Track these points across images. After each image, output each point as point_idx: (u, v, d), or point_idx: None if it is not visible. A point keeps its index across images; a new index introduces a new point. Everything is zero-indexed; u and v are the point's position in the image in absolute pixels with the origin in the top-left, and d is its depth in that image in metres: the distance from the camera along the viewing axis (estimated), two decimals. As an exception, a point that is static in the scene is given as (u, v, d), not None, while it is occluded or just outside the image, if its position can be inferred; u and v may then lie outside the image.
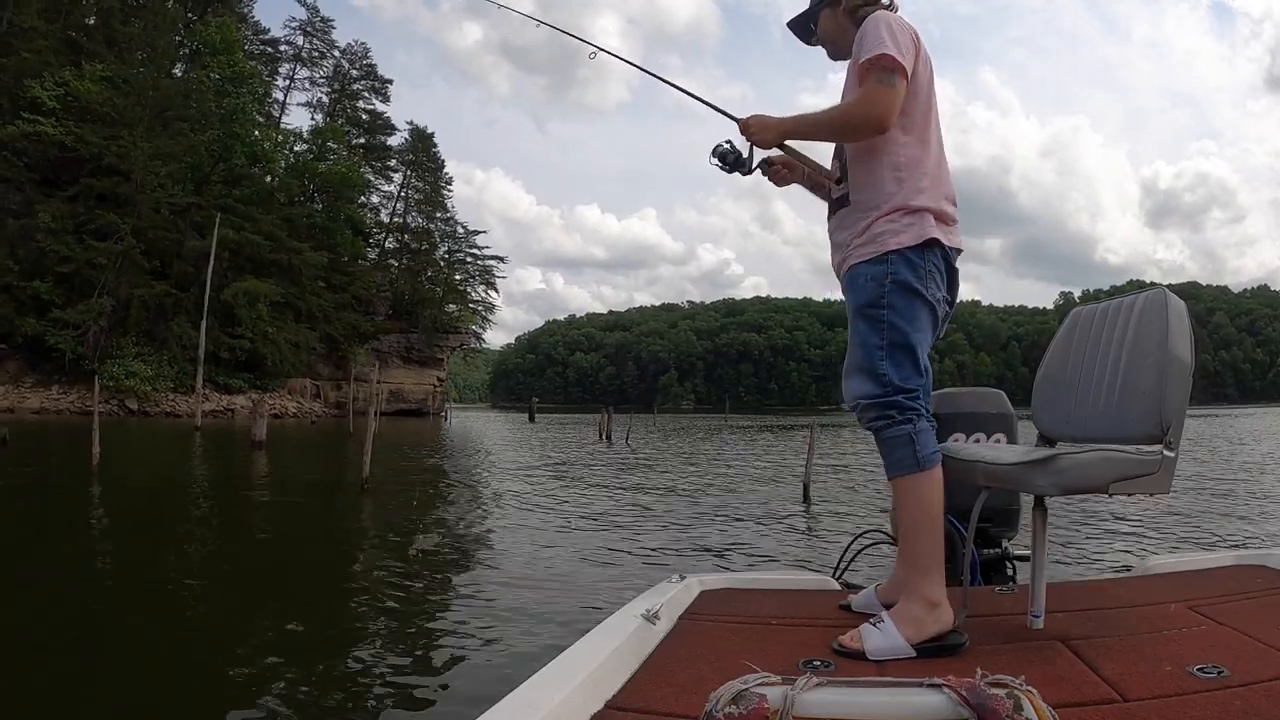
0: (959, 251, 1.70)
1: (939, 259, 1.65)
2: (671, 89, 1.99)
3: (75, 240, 30.76)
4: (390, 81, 51.53)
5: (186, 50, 39.87)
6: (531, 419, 45.82)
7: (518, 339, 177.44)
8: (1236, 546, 5.33)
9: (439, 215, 51.99)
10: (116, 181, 31.71)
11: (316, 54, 48.06)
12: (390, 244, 51.23)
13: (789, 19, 1.91)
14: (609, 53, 2.18)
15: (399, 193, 51.01)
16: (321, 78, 48.49)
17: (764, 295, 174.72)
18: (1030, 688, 0.91)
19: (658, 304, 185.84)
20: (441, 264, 51.74)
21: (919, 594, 1.50)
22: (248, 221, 35.78)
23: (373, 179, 49.30)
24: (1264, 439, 22.50)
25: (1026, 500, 1.75)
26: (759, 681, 0.96)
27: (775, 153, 1.82)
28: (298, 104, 69.45)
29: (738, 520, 7.34)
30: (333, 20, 50.18)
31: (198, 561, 5.51)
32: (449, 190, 53.36)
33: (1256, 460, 14.76)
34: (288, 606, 4.30)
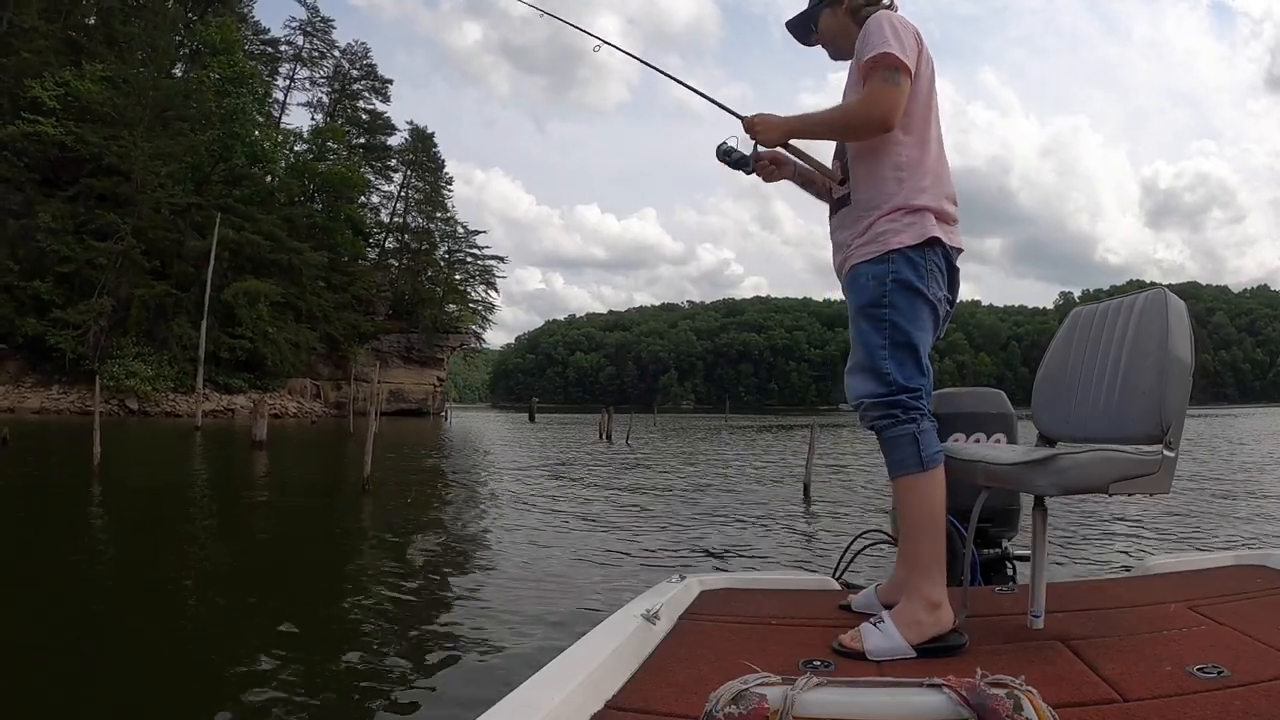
0: (960, 251, 1.70)
1: (940, 258, 1.65)
2: (677, 87, 1.97)
3: (75, 240, 30.77)
4: (390, 81, 51.63)
5: (186, 50, 39.89)
6: (532, 419, 45.84)
7: (518, 339, 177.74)
8: (1236, 546, 5.33)
9: (439, 215, 52.03)
10: (117, 181, 31.72)
11: (316, 54, 48.13)
12: (390, 244, 51.26)
13: (788, 19, 1.90)
14: (614, 46, 2.16)
15: (399, 193, 51.08)
16: (321, 78, 48.59)
17: (764, 295, 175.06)
18: (1030, 688, 0.91)
19: (658, 304, 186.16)
20: (441, 264, 51.76)
21: (920, 594, 1.50)
22: (248, 221, 35.79)
23: (373, 179, 49.36)
24: (1264, 439, 22.49)
25: (1026, 500, 1.75)
26: (759, 681, 0.96)
27: (779, 151, 1.82)
28: (298, 104, 69.65)
29: (738, 520, 7.34)
30: (333, 20, 50.24)
31: (198, 561, 5.51)
32: (449, 190, 53.46)
33: (1256, 460, 14.76)
34: (288, 607, 4.30)
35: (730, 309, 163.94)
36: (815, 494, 9.20)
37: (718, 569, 4.99)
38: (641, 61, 2.12)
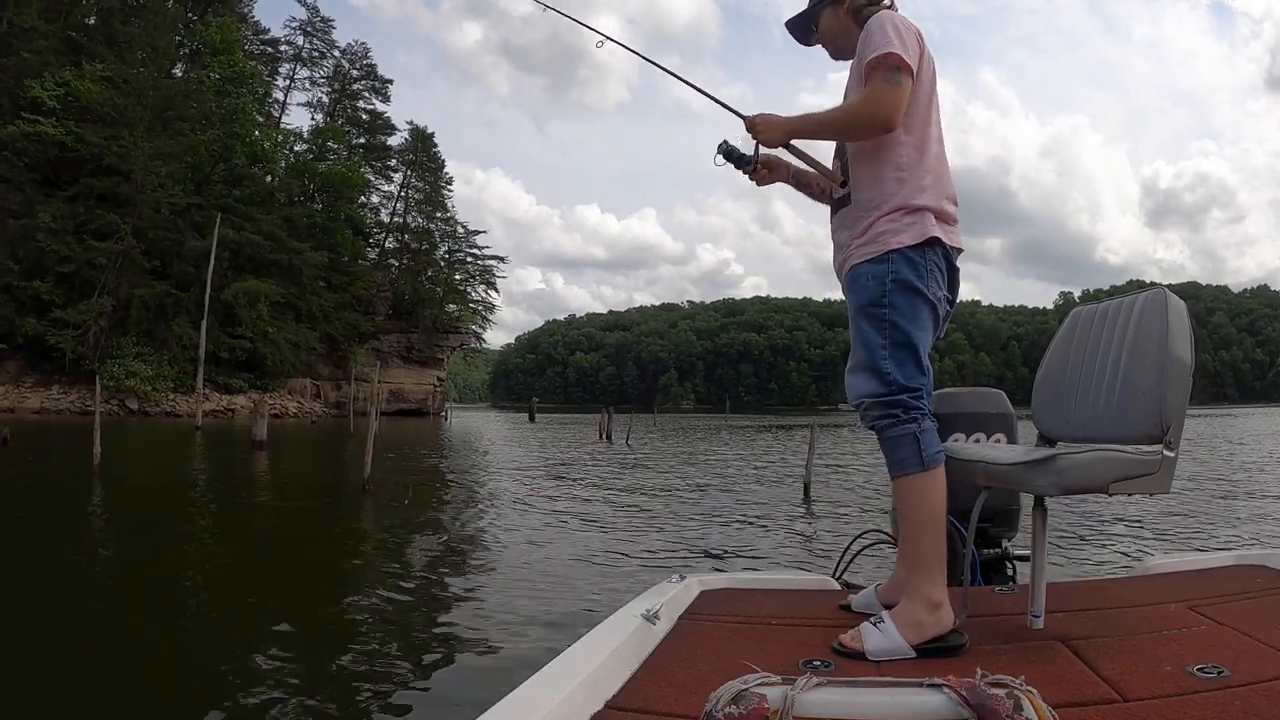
0: (960, 251, 1.70)
1: (940, 258, 1.65)
2: (677, 86, 1.98)
3: (75, 240, 30.78)
4: (390, 81, 51.66)
5: (186, 50, 39.88)
6: (532, 419, 45.86)
7: (518, 339, 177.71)
8: (1236, 546, 5.33)
9: (439, 215, 52.03)
10: (117, 181, 31.72)
11: (316, 54, 48.14)
12: (390, 244, 51.27)
13: (787, 19, 1.90)
14: (618, 42, 2.16)
15: (399, 193, 51.09)
16: (322, 78, 48.59)
17: (764, 295, 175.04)
18: (1030, 688, 0.91)
19: (658, 304, 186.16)
20: (441, 264, 51.75)
21: (920, 594, 1.50)
22: (248, 221, 35.79)
23: (373, 179, 49.37)
24: (1264, 439, 22.50)
25: (1026, 500, 1.75)
26: (759, 681, 0.96)
27: (781, 151, 1.82)
28: (298, 104, 69.65)
29: (738, 520, 7.35)
30: (333, 20, 50.28)
31: (198, 561, 5.52)
32: (449, 190, 53.47)
33: (1256, 460, 14.76)
34: (288, 607, 4.30)
35: (730, 309, 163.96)
36: (815, 494, 9.20)
37: (718, 569, 4.99)
38: (645, 59, 2.12)
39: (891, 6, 1.74)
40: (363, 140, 49.61)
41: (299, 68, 47.53)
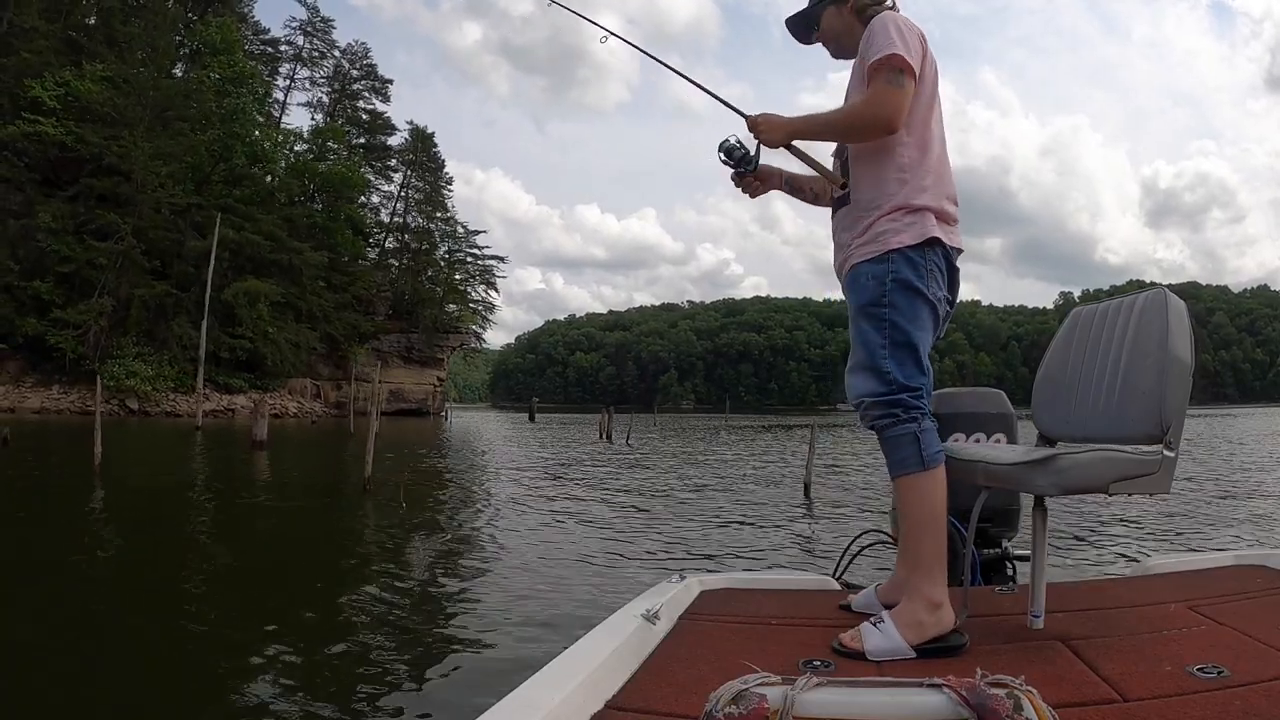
0: (960, 251, 1.70)
1: (940, 258, 1.65)
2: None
3: (76, 240, 30.78)
4: (390, 81, 51.65)
5: (187, 50, 39.89)
6: (532, 419, 45.89)
7: (518, 339, 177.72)
8: (1236, 546, 5.33)
9: (439, 215, 52.02)
10: (117, 181, 31.72)
11: (316, 54, 48.14)
12: (390, 244, 51.26)
13: (788, 16, 1.89)
14: (621, 38, 2.15)
15: (399, 192, 51.09)
16: (322, 78, 48.59)
17: (764, 295, 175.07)
18: (1030, 688, 0.91)
19: (658, 304, 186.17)
20: (441, 264, 51.75)
21: (921, 594, 1.50)
22: (248, 221, 35.79)
23: (373, 179, 49.37)
24: (1264, 439, 22.50)
25: (1026, 500, 1.75)
26: (759, 681, 0.96)
27: (781, 152, 1.81)
28: (298, 104, 69.69)
29: (738, 520, 7.35)
30: (333, 20, 50.25)
31: (198, 561, 5.51)
32: (449, 190, 53.46)
33: (1256, 460, 14.75)
34: (288, 607, 4.31)
35: (730, 309, 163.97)
36: (815, 494, 9.20)
37: (718, 569, 4.99)
38: (649, 55, 2.11)
39: (893, 7, 1.74)
40: (363, 140, 49.61)
41: (299, 68, 47.61)
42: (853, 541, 3.11)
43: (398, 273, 49.71)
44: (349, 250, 44.32)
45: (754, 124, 1.74)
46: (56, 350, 30.06)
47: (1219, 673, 1.20)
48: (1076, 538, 6.04)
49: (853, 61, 1.77)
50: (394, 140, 51.11)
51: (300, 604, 4.39)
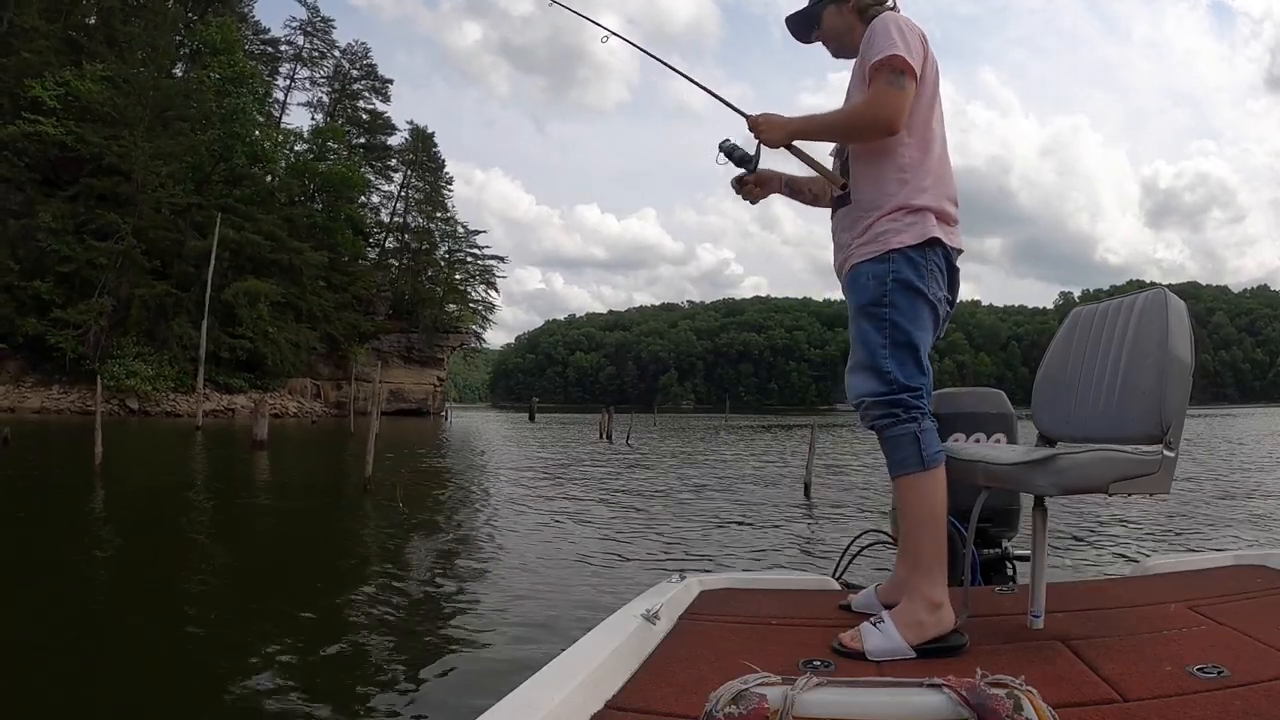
0: (960, 252, 1.70)
1: (940, 258, 1.65)
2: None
3: (76, 240, 30.78)
4: (390, 81, 51.64)
5: (187, 50, 39.88)
6: (532, 418, 45.90)
7: (518, 339, 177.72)
8: (1236, 546, 5.33)
9: (439, 215, 52.01)
10: (117, 181, 31.72)
11: (317, 54, 48.14)
12: (390, 244, 51.26)
13: (788, 14, 1.88)
14: (623, 38, 2.15)
15: (399, 192, 51.08)
16: (322, 77, 48.59)
17: (764, 295, 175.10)
18: (1030, 688, 0.91)
19: (658, 304, 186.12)
20: (442, 264, 51.74)
21: (921, 594, 1.50)
22: (248, 221, 35.79)
23: (373, 179, 49.35)
24: (1264, 439, 22.50)
25: (1026, 500, 1.75)
26: (759, 681, 0.96)
27: (781, 152, 1.81)
28: (298, 104, 69.74)
29: (738, 520, 7.35)
30: (333, 20, 50.25)
31: (199, 561, 5.52)
32: (449, 190, 53.43)
33: (1256, 460, 14.76)
34: (288, 607, 4.31)
35: (730, 309, 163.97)
36: (815, 494, 9.20)
37: (718, 569, 4.99)
38: (652, 56, 2.11)
39: (894, 7, 1.74)
40: (363, 140, 49.60)
41: (299, 68, 47.61)
42: (853, 541, 3.11)
43: (398, 273, 49.71)
44: (349, 250, 44.32)
45: (754, 124, 1.74)
46: (57, 350, 30.07)
47: (1219, 673, 1.20)
48: (1076, 538, 6.04)
49: (853, 61, 1.77)
50: (394, 140, 51.20)
51: (300, 604, 4.39)
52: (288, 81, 47.33)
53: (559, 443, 21.57)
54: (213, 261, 32.36)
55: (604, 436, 23.52)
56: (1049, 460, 1.49)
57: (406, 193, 51.03)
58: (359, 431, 20.45)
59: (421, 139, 51.86)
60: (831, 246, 1.81)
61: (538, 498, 8.94)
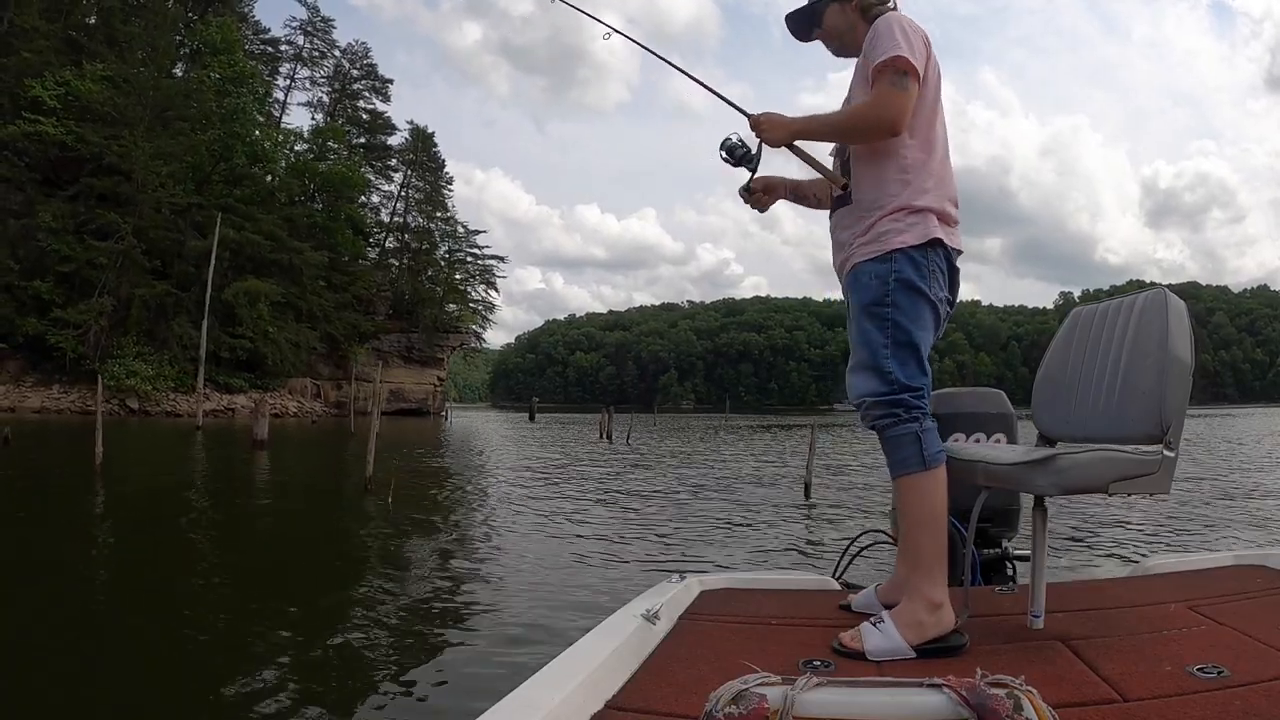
0: (960, 253, 1.70)
1: (942, 259, 1.65)
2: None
3: (76, 240, 30.76)
4: (390, 81, 51.61)
5: (187, 50, 39.86)
6: (532, 418, 45.90)
7: (518, 339, 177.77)
8: (1236, 546, 5.32)
9: (439, 215, 52.00)
10: (117, 181, 31.71)
11: (317, 54, 48.12)
12: (391, 243, 51.25)
13: (789, 11, 1.88)
14: (625, 35, 2.13)
15: (399, 192, 51.07)
16: (322, 77, 48.57)
17: (764, 295, 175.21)
18: (1030, 688, 0.91)
19: (658, 304, 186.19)
20: (442, 263, 51.73)
21: (921, 594, 1.50)
22: (248, 221, 35.77)
23: (373, 179, 49.33)
24: (1264, 439, 22.49)
25: (1026, 500, 1.75)
26: (759, 681, 0.96)
27: (782, 151, 1.81)
28: (298, 104, 69.80)
29: (738, 520, 7.34)
30: (333, 20, 50.24)
31: (199, 561, 5.52)
32: (449, 190, 53.42)
33: (1256, 460, 14.76)
34: (289, 607, 4.31)
35: (730, 309, 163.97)
36: (815, 494, 9.20)
37: (718, 569, 4.99)
38: (654, 54, 2.11)
39: (894, 7, 1.74)
40: (363, 140, 49.59)
41: (299, 67, 47.58)
42: (852, 541, 3.11)
43: (398, 272, 49.70)
44: (349, 250, 44.31)
45: (756, 123, 1.74)
46: (57, 350, 30.05)
47: (1219, 673, 1.20)
48: (1076, 538, 6.04)
49: (852, 60, 1.76)
50: (394, 140, 51.18)
51: (300, 604, 4.39)
52: (288, 81, 47.38)
53: (559, 443, 21.56)
54: (213, 261, 32.35)
55: (604, 436, 23.52)
56: (1049, 460, 1.49)
57: (406, 192, 51.07)
58: (359, 431, 20.46)
59: (421, 139, 51.86)
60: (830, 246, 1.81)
61: (537, 498, 8.93)
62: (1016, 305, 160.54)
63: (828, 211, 1.84)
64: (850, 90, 1.75)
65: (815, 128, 1.73)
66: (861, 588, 1.88)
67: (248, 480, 10.92)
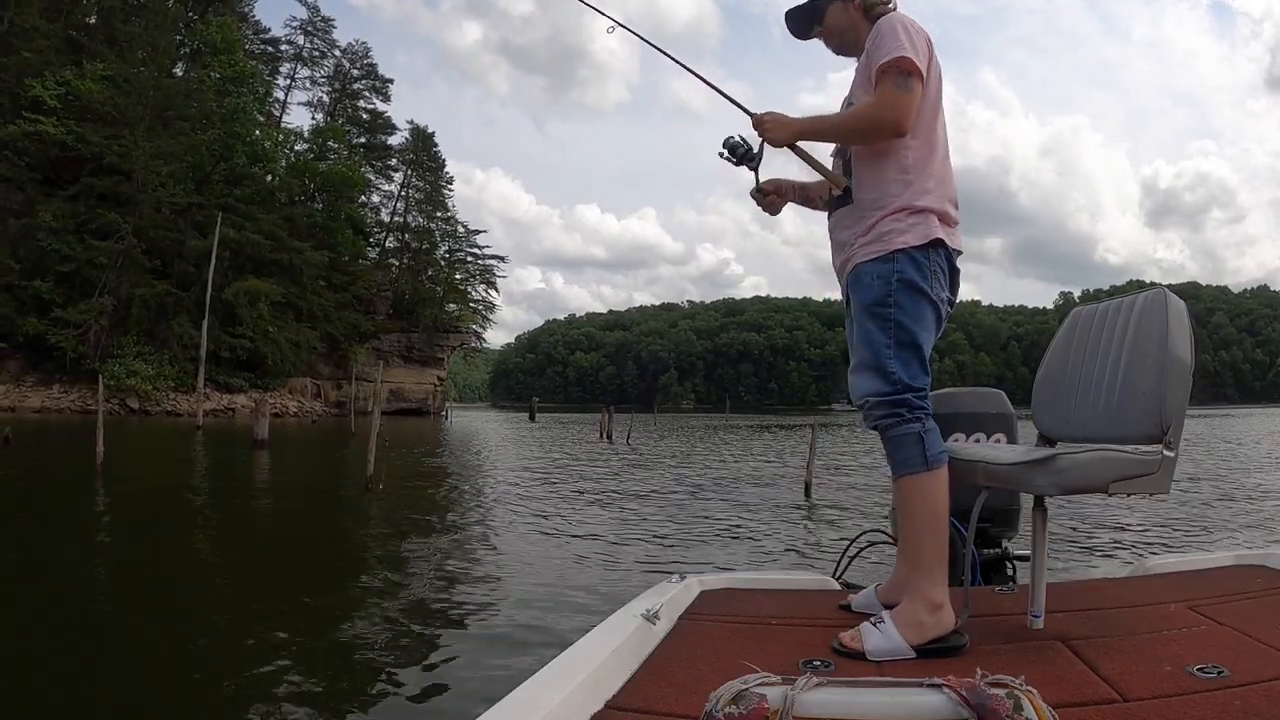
0: (960, 253, 1.70)
1: (943, 259, 1.65)
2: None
3: (76, 239, 30.78)
4: (390, 81, 51.64)
5: (187, 50, 39.88)
6: (532, 418, 45.89)
7: (518, 338, 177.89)
8: (1236, 546, 5.32)
9: (439, 214, 52.01)
10: (117, 181, 31.73)
11: (317, 53, 48.15)
12: (391, 243, 51.28)
13: (789, 9, 1.86)
14: (629, 29, 2.13)
15: (399, 192, 51.09)
16: (322, 77, 48.61)
17: (764, 295, 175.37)
18: (1030, 688, 0.91)
19: (658, 304, 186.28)
20: (442, 263, 51.75)
21: (921, 594, 1.50)
22: (249, 221, 35.79)
23: (373, 178, 49.36)
24: (1264, 439, 22.49)
25: (1026, 500, 1.75)
26: (759, 681, 0.96)
27: (784, 152, 1.80)
28: (298, 103, 69.77)
29: (738, 520, 7.34)
30: (333, 20, 50.29)
31: (199, 561, 5.52)
32: (449, 189, 53.46)
33: (1256, 460, 14.75)
34: (289, 607, 4.31)
35: (730, 309, 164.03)
36: (815, 494, 9.20)
37: (718, 569, 4.99)
38: (659, 49, 2.10)
39: (894, 7, 1.74)
40: (363, 140, 49.61)
41: (299, 67, 47.61)
42: (852, 542, 3.11)
43: (398, 272, 49.72)
44: (349, 250, 44.32)
45: (759, 122, 1.73)
46: (57, 349, 30.07)
47: (1219, 673, 1.20)
48: (1076, 538, 6.04)
49: (851, 59, 1.76)
50: (394, 140, 51.21)
51: (300, 604, 4.39)
52: (288, 81, 47.41)
53: (559, 442, 21.56)
54: (213, 261, 32.36)
55: (604, 436, 23.52)
56: (1049, 460, 1.49)
57: (407, 192, 51.08)
58: (359, 431, 20.46)
59: (421, 139, 51.88)
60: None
61: (537, 498, 8.93)
62: (1016, 305, 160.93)
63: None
64: (852, 90, 1.75)
65: (819, 128, 1.73)
66: (861, 588, 1.88)
67: (248, 480, 10.92)
